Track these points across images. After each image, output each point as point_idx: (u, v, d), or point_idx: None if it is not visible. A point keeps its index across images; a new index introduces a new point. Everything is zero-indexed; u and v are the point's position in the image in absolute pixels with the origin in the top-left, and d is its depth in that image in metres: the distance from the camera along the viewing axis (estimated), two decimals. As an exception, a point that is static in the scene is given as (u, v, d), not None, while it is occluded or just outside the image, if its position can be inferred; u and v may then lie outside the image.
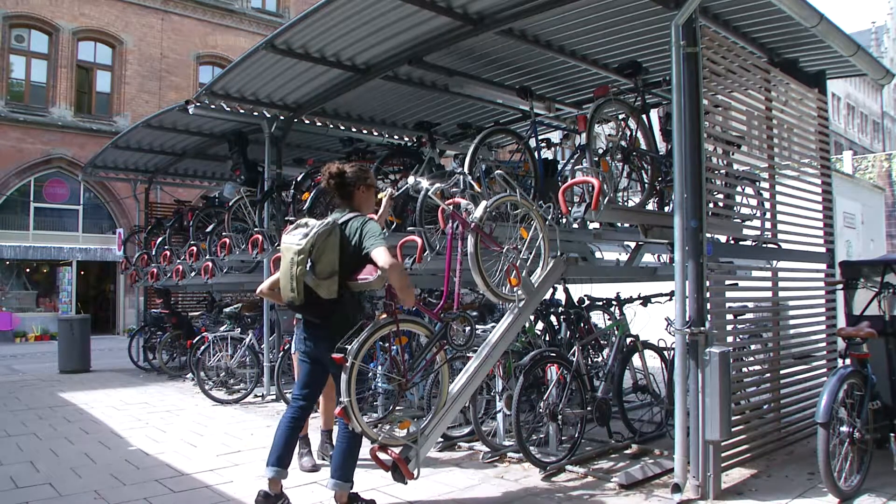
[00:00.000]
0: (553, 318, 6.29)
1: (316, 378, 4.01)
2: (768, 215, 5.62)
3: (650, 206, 5.40)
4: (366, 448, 3.86)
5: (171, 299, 11.19)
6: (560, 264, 4.83)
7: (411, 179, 4.42)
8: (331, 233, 3.67)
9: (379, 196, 4.34)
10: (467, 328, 4.23)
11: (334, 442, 5.07)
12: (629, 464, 4.89)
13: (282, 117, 8.16)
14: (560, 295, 6.29)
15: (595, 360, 5.99)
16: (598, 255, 6.76)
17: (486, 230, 4.42)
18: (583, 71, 6.90)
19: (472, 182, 4.97)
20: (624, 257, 7.29)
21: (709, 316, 4.17)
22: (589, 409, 5.07)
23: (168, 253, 9.93)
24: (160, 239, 10.48)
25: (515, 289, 4.56)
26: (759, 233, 5.64)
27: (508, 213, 4.67)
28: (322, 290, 3.62)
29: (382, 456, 3.88)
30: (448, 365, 4.25)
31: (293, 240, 3.70)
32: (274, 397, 7.76)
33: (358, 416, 3.57)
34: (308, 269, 3.62)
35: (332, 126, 8.77)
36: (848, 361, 4.31)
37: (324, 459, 4.99)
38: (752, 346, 5.37)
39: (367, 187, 3.98)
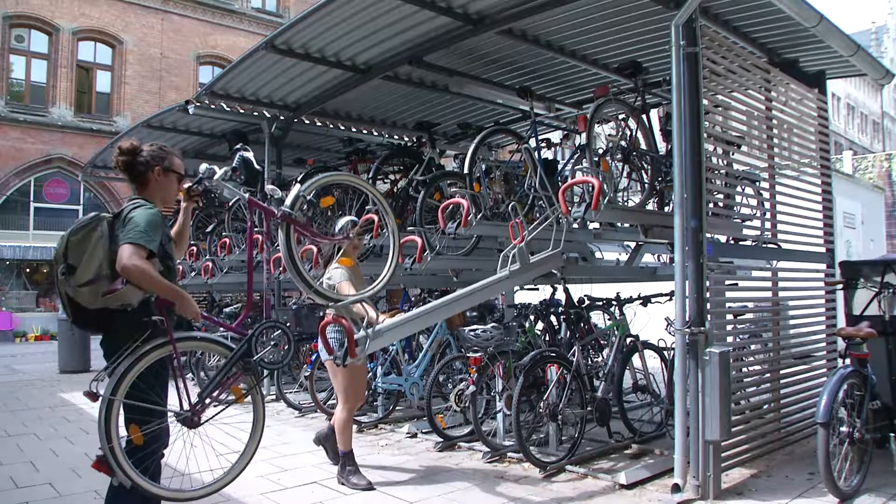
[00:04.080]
0: (553, 318, 6.30)
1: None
2: (768, 215, 5.63)
3: (650, 206, 5.40)
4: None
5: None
6: (557, 259, 4.81)
7: (203, 167, 3.36)
8: (92, 229, 2.92)
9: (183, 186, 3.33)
10: (283, 341, 3.41)
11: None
12: (629, 464, 4.89)
13: (282, 117, 8.16)
14: (560, 295, 6.29)
15: (595, 360, 6.00)
16: (598, 255, 6.76)
17: (303, 219, 3.59)
18: (583, 71, 6.90)
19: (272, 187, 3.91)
20: (624, 257, 7.30)
21: (709, 316, 4.17)
22: (589, 409, 5.07)
23: (168, 253, 9.89)
24: (160, 239, 10.44)
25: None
26: (759, 233, 5.64)
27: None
28: (83, 299, 2.86)
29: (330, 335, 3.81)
30: (261, 394, 3.40)
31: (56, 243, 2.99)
32: (274, 397, 7.75)
33: (124, 464, 2.81)
34: (62, 274, 2.86)
35: (332, 126, 8.77)
36: (848, 361, 4.31)
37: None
38: (752, 346, 5.37)
39: (164, 171, 3.12)
